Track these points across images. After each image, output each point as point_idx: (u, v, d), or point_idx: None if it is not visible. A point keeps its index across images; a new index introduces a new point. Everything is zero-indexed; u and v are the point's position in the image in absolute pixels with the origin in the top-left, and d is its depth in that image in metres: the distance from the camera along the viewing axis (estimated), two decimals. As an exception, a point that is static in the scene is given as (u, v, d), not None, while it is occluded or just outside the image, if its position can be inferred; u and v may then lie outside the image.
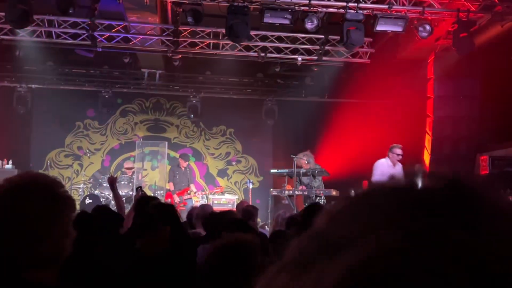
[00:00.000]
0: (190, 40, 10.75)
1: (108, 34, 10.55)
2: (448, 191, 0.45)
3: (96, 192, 12.25)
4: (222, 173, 14.85)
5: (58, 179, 1.63)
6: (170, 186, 12.40)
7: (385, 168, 9.40)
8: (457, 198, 0.44)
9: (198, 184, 14.19)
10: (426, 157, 10.53)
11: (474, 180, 0.47)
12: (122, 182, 12.40)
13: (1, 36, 10.34)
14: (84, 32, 10.29)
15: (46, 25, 10.36)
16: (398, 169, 9.36)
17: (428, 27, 9.19)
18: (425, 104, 10.36)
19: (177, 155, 14.04)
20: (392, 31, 9.46)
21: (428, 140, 10.49)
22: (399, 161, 9.41)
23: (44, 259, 1.49)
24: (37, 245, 1.46)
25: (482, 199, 0.45)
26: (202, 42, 10.92)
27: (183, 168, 12.57)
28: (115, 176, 7.42)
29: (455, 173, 0.47)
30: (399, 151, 9.34)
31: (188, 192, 12.31)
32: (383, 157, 9.84)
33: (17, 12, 8.52)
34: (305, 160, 10.95)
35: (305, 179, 10.88)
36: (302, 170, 11.14)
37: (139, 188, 6.50)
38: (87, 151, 13.93)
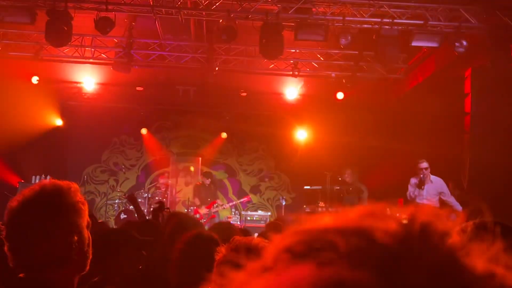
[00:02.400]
0: (224, 57, 10.85)
1: (144, 52, 10.74)
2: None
3: (131, 207, 12.36)
4: (255, 189, 14.84)
5: (68, 186, 1.76)
6: (196, 201, 12.49)
7: (412, 185, 9.43)
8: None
9: (231, 200, 14.22)
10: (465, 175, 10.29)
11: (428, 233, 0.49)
12: (157, 198, 12.53)
13: (42, 55, 10.63)
14: (121, 50, 10.50)
15: (84, 43, 10.62)
16: (430, 185, 9.26)
17: (464, 42, 9.05)
18: (463, 120, 10.14)
19: (211, 171, 14.15)
20: (427, 46, 9.35)
21: (465, 157, 10.25)
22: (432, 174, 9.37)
23: (54, 259, 1.67)
24: (43, 245, 1.65)
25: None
26: (236, 59, 11.00)
27: (206, 185, 12.68)
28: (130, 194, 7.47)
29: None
30: (421, 165, 9.36)
31: (215, 205, 12.40)
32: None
33: (57, 30, 8.75)
34: (347, 175, 10.96)
35: (344, 198, 10.80)
36: (336, 187, 11.07)
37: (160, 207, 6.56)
38: (123, 166, 14.14)
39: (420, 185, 9.30)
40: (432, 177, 9.35)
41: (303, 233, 0.51)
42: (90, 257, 1.77)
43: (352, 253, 0.47)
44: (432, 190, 9.25)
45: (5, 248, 1.67)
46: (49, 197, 1.70)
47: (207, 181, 12.78)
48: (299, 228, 0.53)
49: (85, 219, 1.76)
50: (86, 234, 1.75)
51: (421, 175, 9.36)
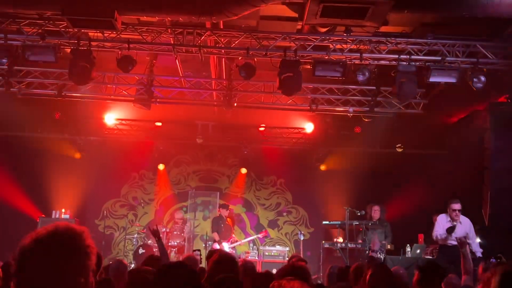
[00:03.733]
0: (242, 93, 10.98)
1: (164, 89, 10.91)
2: None
3: (149, 242, 12.38)
4: (273, 224, 14.78)
5: (80, 230, 1.82)
6: (215, 236, 12.37)
7: (445, 223, 9.10)
8: None
9: (248, 235, 14.17)
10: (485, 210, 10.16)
11: None
12: (175, 232, 12.53)
13: (64, 92, 10.84)
14: (142, 87, 10.69)
15: (106, 81, 10.83)
16: (459, 226, 8.95)
17: (482, 78, 9.06)
18: (482, 155, 10.08)
19: (227, 204, 14.18)
20: (445, 82, 9.37)
21: (486, 192, 10.15)
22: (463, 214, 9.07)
23: None
24: (51, 285, 1.69)
25: None
26: (254, 95, 11.12)
27: (225, 217, 12.63)
28: (156, 227, 7.47)
29: None
30: (454, 206, 9.01)
31: (231, 240, 12.35)
32: (440, 208, 9.58)
33: (79, 69, 8.96)
34: (374, 211, 10.83)
35: (368, 233, 10.64)
36: (355, 222, 10.98)
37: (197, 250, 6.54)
38: (142, 201, 14.21)
39: (451, 231, 8.87)
40: (461, 217, 9.03)
41: None
42: None
43: None
44: (460, 232, 8.91)
45: (12, 285, 1.71)
46: (62, 239, 1.75)
47: (225, 213, 12.74)
48: None
49: (92, 264, 1.80)
50: (92, 278, 1.79)
51: (453, 217, 8.95)
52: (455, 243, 8.61)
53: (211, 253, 5.45)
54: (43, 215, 12.65)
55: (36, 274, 1.69)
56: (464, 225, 8.99)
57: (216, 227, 12.53)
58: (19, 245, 1.75)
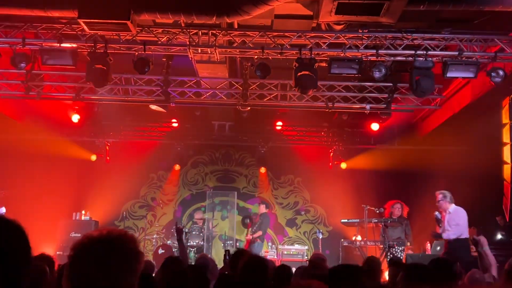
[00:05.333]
0: (258, 92, 10.97)
1: (180, 90, 10.96)
2: None
3: (169, 242, 12.47)
4: (291, 222, 14.77)
5: (132, 235, 1.89)
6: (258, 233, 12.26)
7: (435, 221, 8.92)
8: None
9: (267, 234, 14.16)
10: (505, 206, 10.03)
11: None
12: (194, 233, 12.59)
13: (82, 94, 10.95)
14: (159, 88, 10.75)
15: (123, 83, 10.91)
16: (449, 216, 8.70)
17: (501, 72, 8.93)
18: (501, 150, 9.95)
19: (246, 205, 14.23)
20: (463, 77, 9.26)
21: (506, 187, 10.01)
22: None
23: None
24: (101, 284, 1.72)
25: None
26: (270, 94, 11.12)
27: (257, 214, 12.67)
28: (182, 226, 7.48)
29: None
30: (437, 197, 8.77)
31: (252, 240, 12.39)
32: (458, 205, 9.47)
33: (97, 71, 9.04)
34: (395, 209, 10.71)
35: (387, 231, 10.55)
36: (374, 220, 10.92)
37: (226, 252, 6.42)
38: (160, 201, 14.32)
39: (438, 222, 8.69)
40: (454, 207, 8.68)
41: None
42: None
43: None
44: (451, 221, 8.58)
45: (63, 281, 1.75)
46: (115, 241, 1.81)
47: (265, 210, 12.65)
48: None
49: (141, 268, 1.84)
50: (137, 283, 1.83)
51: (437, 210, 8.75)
52: (451, 237, 8.35)
53: (238, 254, 5.21)
54: (63, 217, 12.80)
55: (87, 272, 1.73)
56: (454, 214, 8.59)
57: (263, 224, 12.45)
58: (72, 245, 1.81)
